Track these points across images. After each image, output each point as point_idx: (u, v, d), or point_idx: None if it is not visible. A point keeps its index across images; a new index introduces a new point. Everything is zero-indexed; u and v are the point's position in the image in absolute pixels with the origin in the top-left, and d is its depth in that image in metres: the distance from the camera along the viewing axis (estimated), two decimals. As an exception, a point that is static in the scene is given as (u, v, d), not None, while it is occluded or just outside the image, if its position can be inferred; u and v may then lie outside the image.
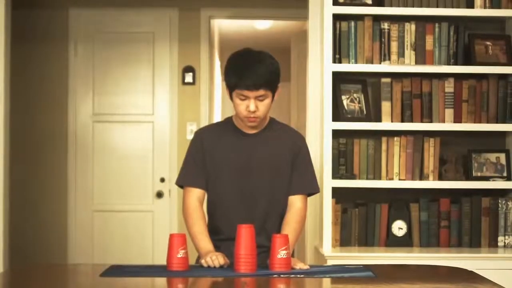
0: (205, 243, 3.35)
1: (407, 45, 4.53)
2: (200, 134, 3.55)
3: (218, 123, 3.71)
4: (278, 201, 3.43)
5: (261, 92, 3.29)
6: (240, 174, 3.40)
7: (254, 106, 3.30)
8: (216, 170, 3.43)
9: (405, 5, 4.52)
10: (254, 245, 3.05)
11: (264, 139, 3.45)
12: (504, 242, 4.53)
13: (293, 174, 3.46)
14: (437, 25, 4.54)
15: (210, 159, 3.44)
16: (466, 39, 4.60)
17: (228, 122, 3.52)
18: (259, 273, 3.03)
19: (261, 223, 3.38)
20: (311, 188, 3.51)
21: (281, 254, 3.05)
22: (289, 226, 3.39)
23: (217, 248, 3.33)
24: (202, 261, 3.21)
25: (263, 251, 3.27)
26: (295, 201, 3.45)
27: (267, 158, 3.42)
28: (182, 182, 3.50)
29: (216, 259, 3.16)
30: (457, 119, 4.54)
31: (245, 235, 3.05)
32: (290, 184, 3.45)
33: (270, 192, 3.42)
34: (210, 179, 3.46)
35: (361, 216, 4.55)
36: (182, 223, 6.53)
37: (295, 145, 3.49)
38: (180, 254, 3.12)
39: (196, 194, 3.45)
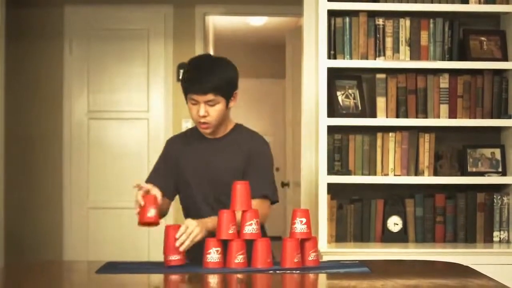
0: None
1: (402, 41, 4.53)
2: (170, 142, 3.63)
3: (187, 131, 3.70)
4: None
5: (209, 97, 3.32)
6: (193, 176, 3.45)
7: (203, 110, 3.34)
8: (183, 176, 3.49)
9: (400, 1, 4.52)
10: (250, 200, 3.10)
11: (224, 144, 3.48)
12: (499, 237, 4.54)
13: (246, 178, 3.33)
14: (432, 20, 4.54)
15: (177, 166, 3.50)
16: (461, 34, 4.60)
17: (195, 129, 3.54)
18: (254, 270, 3.03)
19: None
20: (263, 191, 3.41)
21: (238, 259, 3.05)
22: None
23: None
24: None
25: None
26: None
27: (221, 164, 3.44)
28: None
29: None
30: (452, 114, 4.54)
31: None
32: None
33: (227, 197, 3.26)
34: (180, 185, 3.52)
35: (356, 212, 4.55)
36: (177, 220, 6.54)
37: (253, 149, 3.47)
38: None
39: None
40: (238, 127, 3.55)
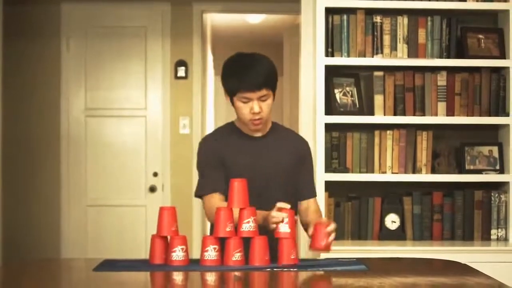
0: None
1: (399, 39, 4.53)
2: (208, 141, 3.51)
3: (220, 129, 3.58)
4: (286, 200, 3.41)
5: (263, 92, 3.27)
6: (248, 174, 3.30)
7: (258, 107, 3.28)
8: (227, 172, 3.37)
9: (398, -2, 4.53)
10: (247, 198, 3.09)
11: (270, 143, 3.44)
12: (497, 235, 4.54)
13: (303, 179, 3.50)
14: (429, 18, 4.54)
15: (224, 164, 3.39)
16: (458, 32, 4.60)
17: (231, 127, 3.48)
18: (252, 267, 3.03)
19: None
20: (315, 194, 3.59)
21: (236, 256, 3.04)
22: (318, 215, 3.47)
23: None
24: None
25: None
26: (311, 204, 3.52)
27: (275, 160, 3.40)
28: (202, 191, 3.42)
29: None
30: (450, 112, 4.54)
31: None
32: (303, 189, 3.51)
33: (278, 195, 3.33)
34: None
35: (354, 210, 4.55)
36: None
37: (301, 151, 3.51)
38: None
39: (217, 198, 3.37)
40: (275, 124, 3.53)
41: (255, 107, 3.28)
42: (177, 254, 3.07)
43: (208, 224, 3.54)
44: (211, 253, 3.06)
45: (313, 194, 3.56)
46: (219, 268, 3.03)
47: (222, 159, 3.39)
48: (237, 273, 2.97)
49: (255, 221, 3.07)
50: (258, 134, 3.43)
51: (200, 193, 3.44)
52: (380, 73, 4.55)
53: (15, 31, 6.46)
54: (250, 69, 3.27)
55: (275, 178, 3.39)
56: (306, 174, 3.53)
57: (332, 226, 3.17)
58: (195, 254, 3.45)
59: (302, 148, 3.54)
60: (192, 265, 3.11)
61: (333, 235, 3.17)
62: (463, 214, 4.55)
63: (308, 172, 3.55)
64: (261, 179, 3.36)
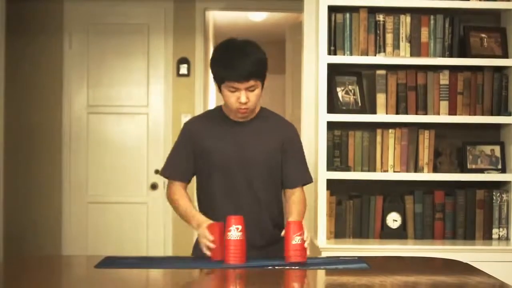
0: (197, 216, 3.37)
1: (402, 37, 4.53)
2: (188, 125, 3.54)
3: (207, 113, 3.67)
4: (270, 192, 3.42)
5: (251, 83, 3.27)
6: (230, 161, 3.37)
7: (245, 97, 3.28)
8: (206, 159, 3.41)
9: (401, -3, 4.53)
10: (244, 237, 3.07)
11: (254, 128, 3.43)
12: (499, 235, 4.54)
13: (287, 166, 3.45)
14: (432, 17, 4.54)
15: (200, 149, 3.42)
16: (461, 31, 4.60)
17: (217, 111, 3.50)
18: (253, 265, 3.03)
19: (253, 214, 3.35)
20: (307, 179, 3.54)
21: (296, 240, 3.05)
22: (295, 207, 3.41)
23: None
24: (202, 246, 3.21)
25: (257, 249, 3.27)
26: (294, 192, 3.47)
27: (258, 147, 3.39)
28: (166, 173, 3.53)
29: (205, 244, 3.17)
30: (452, 111, 4.54)
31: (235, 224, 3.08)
32: (286, 177, 3.46)
33: (260, 182, 3.39)
34: (200, 168, 3.45)
35: (355, 208, 4.55)
36: (176, 215, 6.51)
37: (286, 136, 3.48)
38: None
39: (178, 186, 3.49)
40: (263, 109, 3.51)
41: (242, 97, 3.28)
42: (232, 234, 3.07)
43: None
44: (234, 233, 3.06)
45: (296, 183, 3.49)
46: (221, 266, 3.03)
47: (202, 146, 3.42)
48: (238, 272, 2.97)
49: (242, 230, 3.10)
50: (242, 120, 3.43)
51: (164, 174, 3.54)
52: (383, 72, 4.55)
53: (18, 28, 6.46)
54: (239, 59, 3.25)
55: (256, 165, 3.38)
56: (290, 162, 3.46)
57: (299, 237, 3.11)
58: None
59: (287, 134, 3.50)
60: (193, 262, 3.12)
61: (304, 240, 3.12)
62: (465, 213, 4.55)
63: (294, 159, 3.48)
64: (242, 166, 3.37)
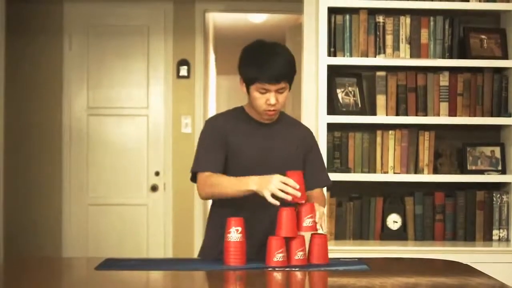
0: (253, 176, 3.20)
1: (402, 39, 4.53)
2: (213, 121, 3.45)
3: (229, 112, 3.51)
4: None
5: (282, 85, 3.24)
6: (254, 162, 3.31)
7: (274, 99, 3.25)
8: (232, 157, 3.34)
9: (400, -2, 4.53)
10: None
11: (278, 130, 3.40)
12: (499, 236, 4.54)
13: (308, 170, 3.40)
14: (432, 18, 4.54)
15: (228, 145, 3.34)
16: (461, 32, 4.60)
17: (239, 111, 3.43)
18: (253, 266, 3.03)
19: (271, 217, 3.30)
20: (327, 182, 3.54)
21: (277, 257, 3.04)
22: (315, 198, 3.38)
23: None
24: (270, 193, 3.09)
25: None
26: (313, 192, 3.42)
27: (281, 149, 3.36)
28: (198, 168, 3.34)
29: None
30: (452, 112, 4.54)
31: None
32: (307, 180, 3.33)
33: None
34: (230, 167, 3.35)
35: (356, 210, 4.55)
36: (176, 217, 6.55)
37: (307, 141, 3.47)
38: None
39: (209, 174, 3.31)
40: (282, 113, 3.48)
41: (271, 99, 3.25)
42: (231, 236, 3.06)
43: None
44: (234, 235, 3.05)
45: (317, 184, 3.46)
46: (220, 267, 3.03)
47: (228, 142, 3.34)
48: (238, 273, 2.97)
49: (314, 217, 3.10)
50: (267, 121, 3.39)
51: (198, 169, 3.34)
52: (383, 73, 4.55)
53: (18, 29, 6.46)
54: (271, 60, 3.22)
55: (281, 167, 3.28)
56: (312, 164, 3.45)
57: (310, 219, 3.10)
58: (196, 254, 3.45)
59: (309, 137, 3.51)
60: (193, 263, 3.12)
61: (315, 221, 3.12)
62: (465, 214, 4.55)
63: (314, 162, 3.47)
64: (266, 169, 3.27)
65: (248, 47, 3.33)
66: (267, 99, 3.25)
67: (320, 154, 3.55)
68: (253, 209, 3.24)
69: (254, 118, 3.39)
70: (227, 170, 3.34)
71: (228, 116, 3.45)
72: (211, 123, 3.43)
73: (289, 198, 3.05)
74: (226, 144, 3.33)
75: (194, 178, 3.38)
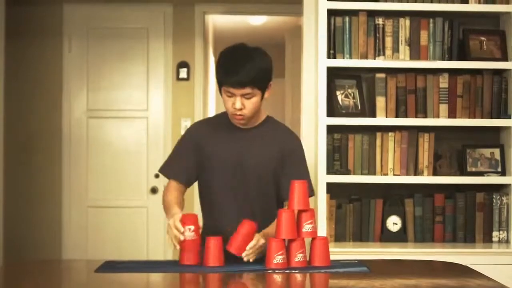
0: (174, 209, 3.30)
1: (401, 41, 4.53)
2: (191, 127, 3.56)
3: (211, 118, 3.68)
4: (264, 201, 3.39)
5: (247, 90, 3.24)
6: (229, 165, 3.35)
7: (240, 104, 3.26)
8: (207, 163, 3.39)
9: (400, 0, 4.52)
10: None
11: (255, 135, 3.40)
12: (499, 237, 4.54)
13: (283, 178, 3.36)
14: (431, 20, 4.54)
15: (201, 153, 3.41)
16: (460, 34, 4.60)
17: (222, 116, 3.49)
18: (255, 268, 3.03)
19: (253, 217, 3.32)
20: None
21: (277, 259, 3.05)
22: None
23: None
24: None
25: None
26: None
27: (257, 153, 3.36)
28: (165, 172, 3.52)
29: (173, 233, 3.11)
30: (452, 114, 4.54)
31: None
32: (282, 189, 3.36)
33: (253, 192, 3.36)
34: (201, 172, 3.43)
35: (355, 212, 4.55)
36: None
37: (286, 146, 3.42)
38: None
39: (175, 187, 3.45)
40: (269, 119, 3.47)
41: (236, 104, 3.26)
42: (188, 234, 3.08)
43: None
44: (189, 233, 3.08)
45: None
46: (221, 269, 3.03)
47: (202, 147, 3.41)
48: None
49: (313, 222, 3.11)
50: (245, 126, 3.41)
51: (162, 172, 3.53)
52: (382, 75, 4.55)
53: (17, 31, 6.46)
54: (239, 65, 3.23)
55: (253, 174, 3.34)
56: (288, 174, 3.36)
57: (253, 242, 3.13)
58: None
59: (288, 145, 3.42)
60: (193, 266, 3.12)
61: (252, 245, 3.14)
62: (465, 216, 4.55)
63: (292, 171, 3.37)
64: (239, 173, 3.34)
65: (225, 50, 3.37)
66: (233, 103, 3.28)
67: (302, 163, 3.45)
68: (232, 215, 3.27)
69: (233, 122, 3.42)
70: (204, 173, 3.42)
71: (209, 121, 3.59)
72: (188, 130, 3.56)
73: (176, 245, 3.10)
74: (200, 149, 3.41)
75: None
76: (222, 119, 3.47)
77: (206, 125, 3.53)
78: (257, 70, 3.24)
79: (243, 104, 3.27)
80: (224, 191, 3.38)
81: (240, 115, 3.30)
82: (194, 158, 3.43)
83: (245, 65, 3.23)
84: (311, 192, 3.35)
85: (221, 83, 3.29)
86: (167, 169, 3.51)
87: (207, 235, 3.15)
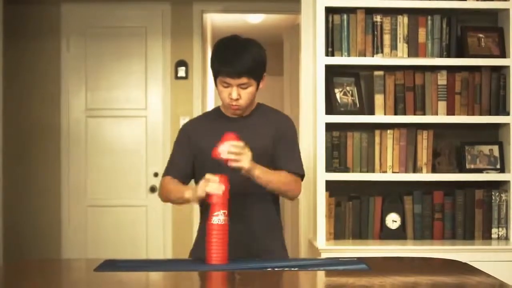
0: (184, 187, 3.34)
1: (399, 38, 4.53)
2: (185, 126, 3.57)
3: (205, 113, 3.69)
4: (262, 187, 3.38)
5: (243, 80, 3.27)
6: (220, 163, 3.34)
7: (236, 94, 3.29)
8: (203, 158, 3.39)
9: (398, -3, 4.53)
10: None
11: (248, 123, 3.42)
12: (498, 234, 4.54)
13: (276, 157, 3.38)
14: (429, 17, 4.54)
15: (197, 149, 3.42)
16: (458, 31, 4.60)
17: (215, 110, 3.53)
18: (253, 266, 3.03)
19: (246, 211, 3.33)
20: (296, 168, 3.41)
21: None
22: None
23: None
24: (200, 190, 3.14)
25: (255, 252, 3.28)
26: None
27: (252, 141, 3.31)
28: (164, 172, 3.51)
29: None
30: (450, 111, 4.54)
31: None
32: (276, 162, 3.37)
33: (248, 180, 3.31)
34: (198, 168, 3.43)
35: (354, 209, 4.55)
36: (176, 218, 6.55)
37: (279, 129, 3.43)
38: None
39: (169, 179, 3.44)
40: (260, 105, 3.50)
41: (233, 94, 3.29)
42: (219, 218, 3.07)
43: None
44: (221, 218, 3.06)
45: (286, 166, 3.37)
46: (219, 267, 3.03)
47: (195, 143, 3.43)
48: (237, 272, 2.97)
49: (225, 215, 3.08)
50: (237, 116, 3.43)
51: (163, 174, 3.52)
52: (381, 73, 4.55)
53: (15, 31, 6.46)
54: (234, 55, 3.26)
55: (252, 159, 3.29)
56: (283, 150, 3.39)
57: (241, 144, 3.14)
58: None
59: (280, 126, 3.44)
60: (193, 264, 3.12)
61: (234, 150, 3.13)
62: (464, 213, 4.55)
63: (286, 149, 3.41)
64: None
65: (219, 41, 3.41)
66: (229, 93, 3.31)
67: (294, 142, 3.48)
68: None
69: (226, 114, 3.45)
70: (200, 168, 3.40)
71: (201, 117, 3.63)
72: (181, 129, 3.59)
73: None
74: (193, 144, 3.44)
75: None
76: (213, 112, 3.53)
77: (199, 121, 3.58)
78: (253, 60, 3.28)
79: (239, 94, 3.30)
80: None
81: (236, 105, 3.33)
82: (190, 154, 3.45)
83: (241, 55, 3.26)
84: (298, 169, 3.41)
85: (217, 73, 3.32)
86: (166, 169, 3.52)
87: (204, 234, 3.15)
